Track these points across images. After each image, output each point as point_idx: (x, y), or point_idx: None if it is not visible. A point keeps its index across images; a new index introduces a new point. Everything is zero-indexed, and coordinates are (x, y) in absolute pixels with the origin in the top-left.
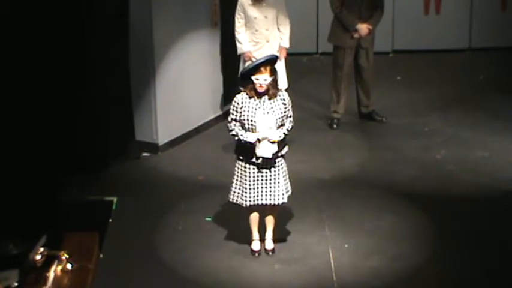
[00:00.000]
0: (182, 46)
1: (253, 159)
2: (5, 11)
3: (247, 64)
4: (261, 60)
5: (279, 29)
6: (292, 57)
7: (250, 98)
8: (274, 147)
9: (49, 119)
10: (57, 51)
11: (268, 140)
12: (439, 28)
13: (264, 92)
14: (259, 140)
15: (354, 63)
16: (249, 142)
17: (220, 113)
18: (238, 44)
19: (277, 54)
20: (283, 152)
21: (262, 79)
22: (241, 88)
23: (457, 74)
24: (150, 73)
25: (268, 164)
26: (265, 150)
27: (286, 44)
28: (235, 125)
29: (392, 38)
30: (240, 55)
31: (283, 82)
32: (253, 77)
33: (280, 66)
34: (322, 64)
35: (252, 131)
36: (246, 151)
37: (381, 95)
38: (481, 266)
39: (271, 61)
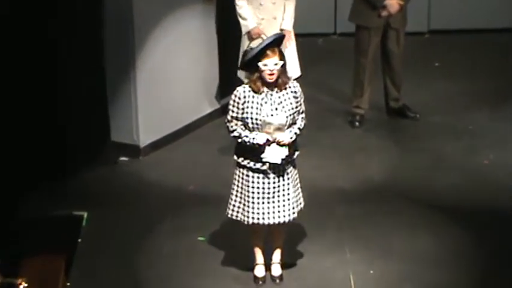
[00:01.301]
0: (168, 25)
1: (259, 166)
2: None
3: (253, 44)
4: (267, 42)
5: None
6: (305, 38)
7: (254, 91)
8: (284, 151)
9: (6, 119)
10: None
11: (278, 143)
12: (486, 3)
13: (274, 81)
14: (268, 142)
15: (381, 47)
16: (257, 144)
17: (216, 107)
18: (242, 21)
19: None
20: (294, 156)
21: (271, 64)
22: (239, 75)
23: (508, 59)
24: (129, 59)
25: (276, 171)
26: (273, 155)
27: (287, 25)
28: (236, 124)
29: (428, 15)
30: (242, 35)
31: (295, 70)
32: (259, 64)
33: (291, 50)
34: (341, 47)
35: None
36: (249, 155)
37: (414, 85)
38: None
39: (278, 41)
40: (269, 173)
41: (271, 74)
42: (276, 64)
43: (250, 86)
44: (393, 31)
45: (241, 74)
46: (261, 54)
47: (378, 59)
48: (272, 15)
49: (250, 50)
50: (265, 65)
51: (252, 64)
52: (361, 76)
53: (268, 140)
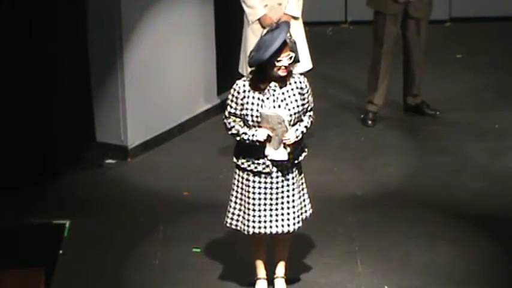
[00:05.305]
0: (160, 13)
1: (261, 168)
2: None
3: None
4: (283, 36)
5: None
6: (312, 27)
7: (259, 89)
8: (283, 154)
9: None
10: None
11: (281, 141)
12: None
13: (285, 76)
14: (269, 137)
15: (401, 38)
16: (257, 141)
17: (212, 104)
18: (248, 10)
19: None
20: (301, 158)
21: (286, 58)
22: (240, 70)
23: None
24: (116, 51)
25: (280, 174)
26: (277, 152)
27: (293, 11)
28: (234, 121)
29: (449, 1)
30: (245, 25)
31: (306, 62)
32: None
33: (301, 41)
34: (353, 37)
35: None
36: (250, 156)
37: (433, 79)
38: None
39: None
40: (272, 177)
41: (285, 69)
42: (291, 58)
43: (254, 84)
44: (413, 20)
45: (242, 69)
46: (280, 51)
47: (398, 50)
48: (277, 0)
49: (260, 49)
50: (279, 60)
51: (265, 62)
52: (375, 67)
53: (269, 135)
